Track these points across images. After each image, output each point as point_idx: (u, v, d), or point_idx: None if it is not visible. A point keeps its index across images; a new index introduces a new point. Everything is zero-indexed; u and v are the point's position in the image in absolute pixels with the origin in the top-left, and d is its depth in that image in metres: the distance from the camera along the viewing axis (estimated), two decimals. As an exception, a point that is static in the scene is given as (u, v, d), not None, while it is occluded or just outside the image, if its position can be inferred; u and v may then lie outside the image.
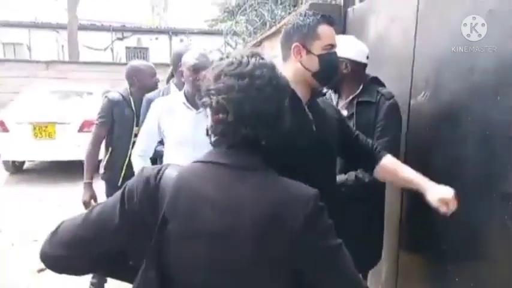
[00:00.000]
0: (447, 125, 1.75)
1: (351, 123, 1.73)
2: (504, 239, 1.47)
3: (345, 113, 1.77)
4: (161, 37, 15.37)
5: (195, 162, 0.85)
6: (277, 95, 0.84)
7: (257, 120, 0.80)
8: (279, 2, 4.49)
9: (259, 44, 4.76)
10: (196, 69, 1.85)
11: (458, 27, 1.67)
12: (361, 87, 1.83)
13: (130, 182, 0.84)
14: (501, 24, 1.45)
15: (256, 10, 4.85)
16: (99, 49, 14.25)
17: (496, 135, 1.49)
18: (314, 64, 1.26)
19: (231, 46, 8.55)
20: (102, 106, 2.53)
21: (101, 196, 2.53)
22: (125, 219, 0.80)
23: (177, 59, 2.23)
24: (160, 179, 0.81)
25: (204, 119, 1.34)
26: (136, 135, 2.41)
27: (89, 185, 2.49)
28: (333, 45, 1.28)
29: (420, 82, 1.93)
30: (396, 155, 1.80)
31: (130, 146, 2.43)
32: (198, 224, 0.77)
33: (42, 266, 0.86)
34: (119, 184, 2.47)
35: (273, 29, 3.94)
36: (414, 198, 2.00)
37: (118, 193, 0.84)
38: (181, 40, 14.59)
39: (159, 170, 0.83)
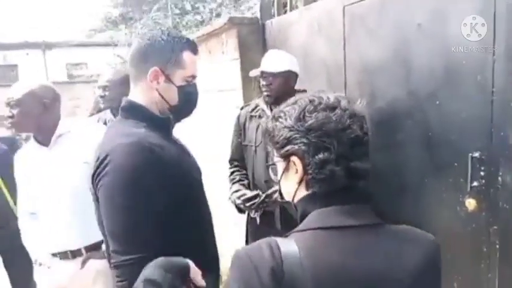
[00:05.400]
0: (388, 129, 1.84)
1: None
2: (458, 230, 1.59)
3: None
4: (33, 52, 13.65)
5: (305, 230, 0.70)
6: (363, 124, 0.78)
7: (359, 152, 0.73)
8: (180, 6, 4.31)
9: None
10: None
11: (387, 34, 1.78)
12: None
13: (239, 277, 0.66)
14: (431, 37, 1.57)
15: (156, 22, 4.60)
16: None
17: (436, 135, 1.62)
18: (173, 96, 1.13)
19: (122, 58, 7.98)
20: None
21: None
22: None
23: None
24: (282, 262, 0.64)
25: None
26: None
27: None
28: (194, 77, 1.16)
29: (354, 91, 2.01)
30: None
31: None
32: None
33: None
34: None
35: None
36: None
37: None
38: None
39: (272, 251, 0.65)
